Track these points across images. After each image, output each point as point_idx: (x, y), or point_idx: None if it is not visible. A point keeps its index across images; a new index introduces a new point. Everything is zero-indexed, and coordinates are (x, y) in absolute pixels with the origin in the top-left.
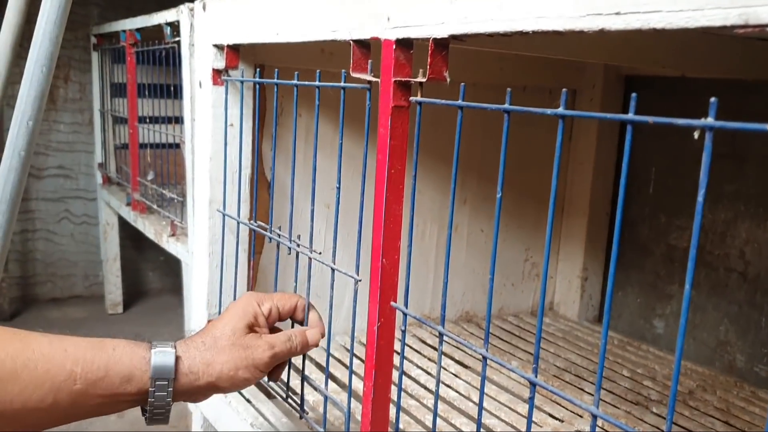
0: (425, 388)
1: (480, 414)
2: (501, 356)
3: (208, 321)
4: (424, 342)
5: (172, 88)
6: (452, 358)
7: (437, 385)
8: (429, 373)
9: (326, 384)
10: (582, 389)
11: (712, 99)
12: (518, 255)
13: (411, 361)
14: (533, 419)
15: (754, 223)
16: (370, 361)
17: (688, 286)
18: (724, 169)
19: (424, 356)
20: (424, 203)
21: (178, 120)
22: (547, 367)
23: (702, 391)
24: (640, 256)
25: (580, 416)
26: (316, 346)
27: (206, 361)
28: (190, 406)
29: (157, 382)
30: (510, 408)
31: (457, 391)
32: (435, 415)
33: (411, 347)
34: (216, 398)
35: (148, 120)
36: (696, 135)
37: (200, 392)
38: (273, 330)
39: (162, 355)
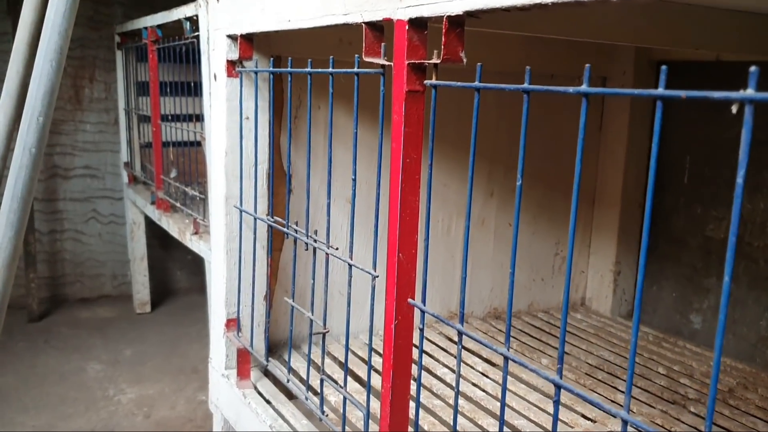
0: (450, 387)
1: (502, 414)
2: (530, 354)
3: (228, 320)
4: (450, 340)
5: (192, 85)
6: (479, 356)
7: (457, 384)
8: (455, 372)
9: (345, 383)
10: (615, 388)
11: (752, 68)
12: (548, 249)
13: (437, 360)
14: (564, 419)
15: None
16: (387, 361)
17: (728, 278)
18: (763, 156)
19: (450, 354)
20: (449, 197)
21: (199, 117)
22: (579, 365)
23: (743, 389)
24: (676, 249)
25: (614, 416)
26: None
27: None
28: (211, 407)
29: None
30: (539, 408)
31: (484, 390)
32: (455, 413)
33: (437, 345)
34: (236, 399)
35: (170, 118)
36: (734, 109)
37: None
38: None
39: None
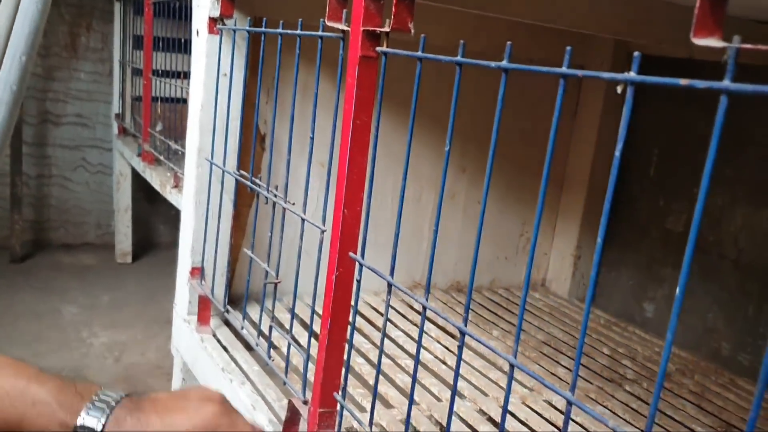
0: (402, 348)
1: (456, 381)
2: (484, 325)
3: (192, 268)
4: (411, 307)
5: (184, 42)
6: (435, 323)
7: (382, 338)
8: (409, 335)
9: (291, 328)
10: (557, 362)
11: (636, 53)
12: (514, 229)
13: (394, 324)
14: (502, 386)
15: (750, 210)
16: (327, 310)
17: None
18: (724, 153)
19: (407, 319)
20: (421, 169)
21: (188, 75)
22: (527, 338)
23: (680, 375)
24: (637, 238)
25: (557, 393)
26: None
27: None
28: (173, 350)
29: None
30: (482, 374)
31: (433, 354)
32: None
33: (397, 311)
34: (194, 343)
35: (161, 73)
36: (619, 90)
37: None
38: None
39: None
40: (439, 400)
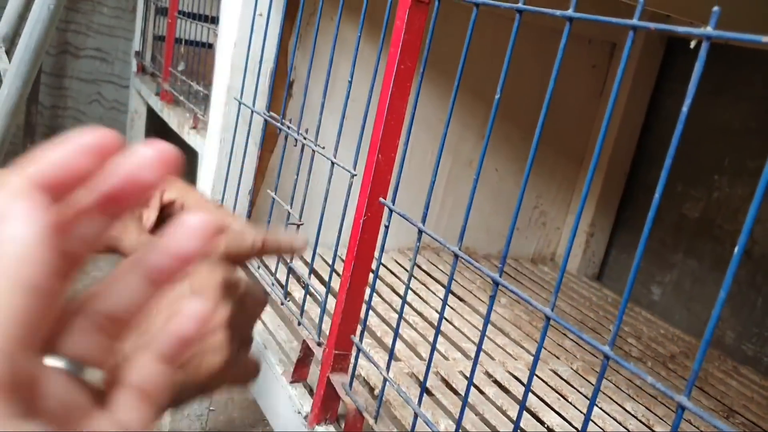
0: (412, 307)
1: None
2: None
3: None
4: (418, 266)
5: None
6: (442, 284)
7: (406, 289)
8: (415, 292)
9: (310, 274)
10: (564, 334)
11: (715, 8)
12: (528, 201)
13: (401, 281)
14: (510, 352)
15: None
16: (351, 253)
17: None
18: (750, 144)
19: (415, 278)
20: (441, 133)
21: (215, 20)
22: (536, 311)
23: (684, 357)
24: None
25: (557, 357)
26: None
27: None
28: None
29: None
30: (489, 338)
31: (435, 310)
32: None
33: (405, 268)
34: None
35: (187, 15)
36: (692, 44)
37: None
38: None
39: None
40: (446, 358)
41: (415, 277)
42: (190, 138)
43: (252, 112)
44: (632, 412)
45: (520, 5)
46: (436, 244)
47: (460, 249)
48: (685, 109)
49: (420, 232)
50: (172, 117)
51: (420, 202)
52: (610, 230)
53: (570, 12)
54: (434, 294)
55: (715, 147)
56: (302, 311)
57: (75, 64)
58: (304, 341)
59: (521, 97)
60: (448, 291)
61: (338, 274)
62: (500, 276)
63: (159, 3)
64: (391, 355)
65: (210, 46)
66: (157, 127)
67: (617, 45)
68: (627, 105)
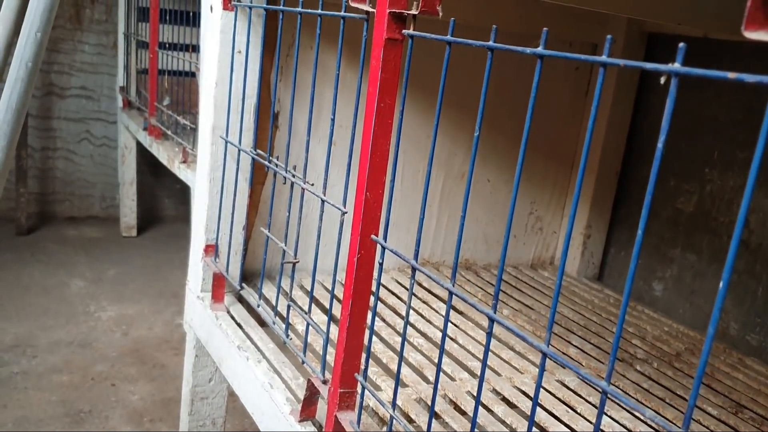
0: (414, 327)
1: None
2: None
3: (206, 245)
4: (419, 284)
5: (191, 15)
6: (443, 301)
7: (405, 323)
8: (417, 312)
9: (309, 309)
10: (569, 342)
11: (681, 44)
12: (523, 208)
13: (403, 301)
14: (515, 366)
15: (762, 193)
16: (348, 291)
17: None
18: (737, 136)
19: (417, 297)
20: (429, 149)
21: (196, 48)
22: (538, 318)
23: (689, 354)
24: (647, 218)
25: (562, 367)
26: None
27: None
28: (185, 326)
29: None
30: (494, 353)
31: (439, 329)
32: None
33: (405, 288)
34: (208, 320)
35: (167, 46)
36: (662, 80)
37: None
38: None
39: None
40: (452, 379)
41: (416, 296)
42: (181, 173)
43: (239, 150)
44: (641, 417)
45: (491, 43)
46: (435, 259)
47: (453, 285)
48: (660, 145)
49: (413, 269)
50: (161, 152)
51: (416, 219)
52: (606, 230)
53: (540, 50)
54: (437, 312)
55: (703, 140)
56: (305, 350)
57: (61, 104)
58: (309, 380)
59: (506, 105)
60: (446, 329)
61: (339, 300)
62: (494, 312)
63: (139, 37)
64: (397, 384)
65: (193, 75)
66: (148, 162)
67: (598, 45)
68: (613, 104)
